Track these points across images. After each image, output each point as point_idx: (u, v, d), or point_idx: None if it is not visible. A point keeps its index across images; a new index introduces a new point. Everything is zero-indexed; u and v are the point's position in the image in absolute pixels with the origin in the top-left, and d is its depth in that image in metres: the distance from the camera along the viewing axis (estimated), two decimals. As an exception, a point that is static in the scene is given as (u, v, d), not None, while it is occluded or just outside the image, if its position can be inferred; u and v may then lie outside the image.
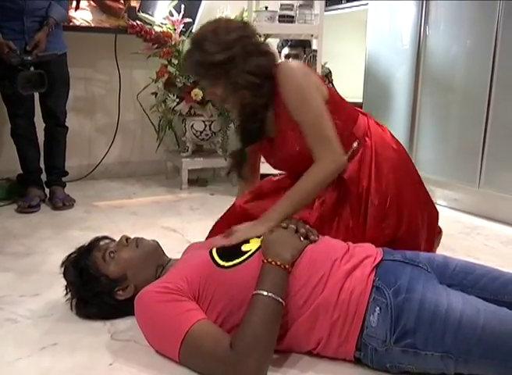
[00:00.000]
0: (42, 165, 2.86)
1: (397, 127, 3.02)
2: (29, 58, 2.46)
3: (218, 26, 1.49)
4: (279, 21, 2.82)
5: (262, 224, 1.45)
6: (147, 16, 3.15)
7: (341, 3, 3.76)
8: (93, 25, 3.23)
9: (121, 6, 3.25)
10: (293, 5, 2.83)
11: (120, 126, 3.48)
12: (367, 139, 1.64)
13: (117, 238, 1.48)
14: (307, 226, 1.41)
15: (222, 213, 1.80)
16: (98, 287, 1.37)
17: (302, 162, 1.54)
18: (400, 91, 3.14)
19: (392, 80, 3.20)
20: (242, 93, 1.49)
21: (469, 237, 2.44)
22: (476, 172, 2.71)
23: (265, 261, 1.25)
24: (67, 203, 2.77)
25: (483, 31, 2.64)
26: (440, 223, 1.89)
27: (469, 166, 2.75)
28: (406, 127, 3.09)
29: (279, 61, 1.60)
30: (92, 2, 3.24)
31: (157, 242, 1.48)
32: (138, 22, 3.06)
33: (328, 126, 1.51)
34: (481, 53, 2.65)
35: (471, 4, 2.70)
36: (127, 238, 1.43)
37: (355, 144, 1.62)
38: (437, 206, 1.84)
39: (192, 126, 3.22)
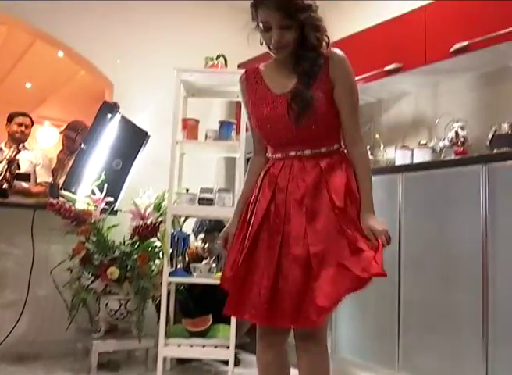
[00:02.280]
0: None
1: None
2: None
3: None
4: (199, 203, 2.92)
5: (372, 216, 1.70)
6: (68, 193, 3.19)
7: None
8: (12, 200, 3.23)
9: (40, 189, 3.30)
10: (212, 189, 2.97)
11: (30, 302, 3.30)
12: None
13: None
14: None
15: None
16: None
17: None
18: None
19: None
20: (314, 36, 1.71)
21: None
22: (394, 354, 2.71)
23: None
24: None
25: (388, 215, 2.85)
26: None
27: (387, 348, 2.75)
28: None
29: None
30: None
31: None
32: (59, 199, 3.09)
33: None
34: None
35: (376, 189, 2.94)
36: None
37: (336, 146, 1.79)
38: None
39: (106, 304, 3.09)
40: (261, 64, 1.87)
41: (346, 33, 3.56)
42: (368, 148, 1.76)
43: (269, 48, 1.74)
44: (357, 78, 3.40)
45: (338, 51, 1.76)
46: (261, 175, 1.83)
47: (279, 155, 1.80)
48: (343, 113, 1.75)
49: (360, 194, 1.74)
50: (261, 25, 1.69)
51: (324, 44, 1.75)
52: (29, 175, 3.31)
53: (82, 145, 3.30)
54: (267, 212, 1.73)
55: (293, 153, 1.76)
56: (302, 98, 1.69)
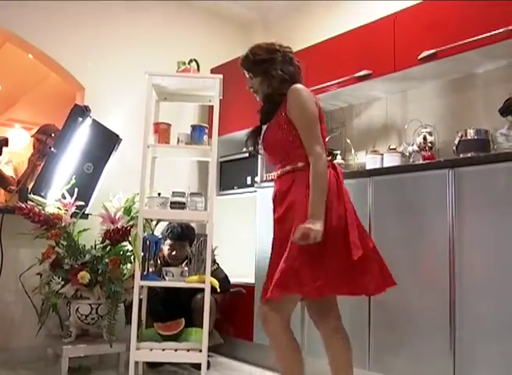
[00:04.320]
0: None
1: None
2: None
3: (271, 42, 2.26)
4: (171, 207, 2.91)
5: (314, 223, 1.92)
6: (38, 197, 3.14)
7: (233, 189, 4.01)
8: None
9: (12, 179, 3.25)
10: (184, 193, 2.96)
11: (-3, 308, 3.24)
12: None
13: None
14: None
15: None
16: None
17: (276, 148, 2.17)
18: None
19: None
20: (272, 82, 2.18)
21: None
22: (365, 354, 2.76)
23: None
24: None
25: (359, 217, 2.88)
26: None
27: (358, 348, 2.73)
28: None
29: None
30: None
31: None
32: (28, 203, 3.05)
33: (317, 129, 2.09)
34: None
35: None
36: None
37: (300, 164, 2.09)
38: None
39: (77, 309, 3.06)
40: None
41: (317, 39, 3.62)
42: (324, 158, 2.03)
43: None
44: (328, 84, 3.48)
45: (293, 86, 2.14)
46: None
47: (272, 174, 2.25)
48: (300, 133, 2.10)
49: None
50: None
51: (286, 84, 2.15)
52: (6, 138, 3.28)
53: (52, 149, 3.26)
54: None
55: (277, 172, 2.21)
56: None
